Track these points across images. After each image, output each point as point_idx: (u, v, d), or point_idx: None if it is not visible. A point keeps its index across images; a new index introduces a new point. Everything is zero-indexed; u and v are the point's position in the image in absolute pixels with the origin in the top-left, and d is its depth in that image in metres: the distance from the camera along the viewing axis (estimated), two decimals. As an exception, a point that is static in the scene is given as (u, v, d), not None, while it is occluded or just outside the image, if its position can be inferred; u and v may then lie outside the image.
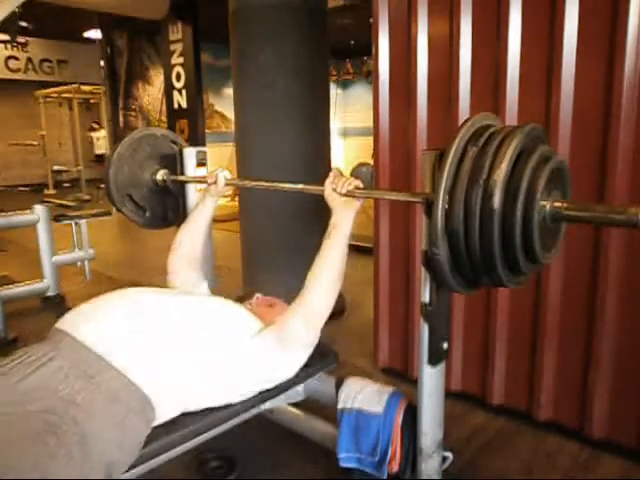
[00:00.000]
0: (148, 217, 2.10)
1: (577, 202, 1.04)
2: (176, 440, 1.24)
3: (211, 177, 1.67)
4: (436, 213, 1.01)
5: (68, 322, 1.22)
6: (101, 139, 11.17)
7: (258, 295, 1.65)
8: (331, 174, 1.36)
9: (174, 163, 2.03)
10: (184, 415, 1.26)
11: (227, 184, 1.67)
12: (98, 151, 11.37)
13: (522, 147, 1.01)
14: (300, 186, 1.46)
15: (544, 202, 1.01)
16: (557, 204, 1.02)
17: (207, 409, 1.28)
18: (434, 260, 1.04)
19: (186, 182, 2.00)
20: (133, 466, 1.13)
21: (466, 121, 1.07)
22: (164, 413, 1.20)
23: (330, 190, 1.34)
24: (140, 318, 1.23)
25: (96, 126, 11.27)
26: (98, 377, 1.09)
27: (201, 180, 1.82)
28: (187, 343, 1.24)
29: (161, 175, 2.02)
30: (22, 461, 0.93)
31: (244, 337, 1.32)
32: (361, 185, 1.33)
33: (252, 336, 1.32)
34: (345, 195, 1.32)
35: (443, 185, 1.01)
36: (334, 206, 1.34)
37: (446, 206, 1.01)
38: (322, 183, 1.37)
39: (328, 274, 1.32)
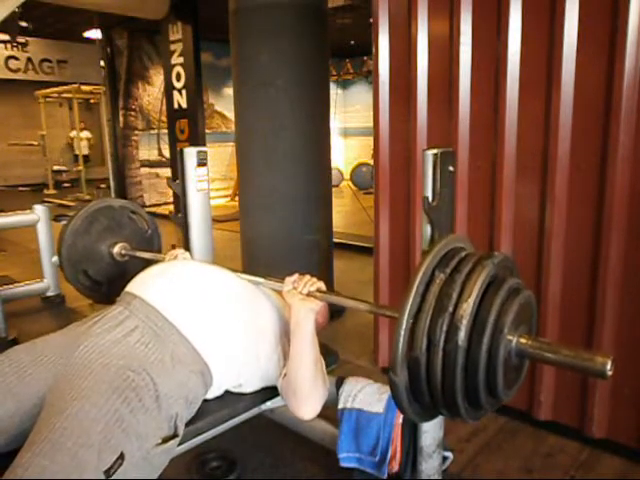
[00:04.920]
0: (104, 292, 1.95)
1: (542, 341, 0.97)
2: (176, 440, 1.24)
3: (170, 255, 1.68)
4: (397, 339, 0.94)
5: (137, 286, 1.35)
6: (84, 140, 11.05)
7: None
8: (295, 275, 1.36)
9: (133, 235, 1.96)
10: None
11: None
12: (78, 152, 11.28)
13: (492, 278, 0.96)
14: (261, 280, 1.44)
15: (510, 337, 0.95)
16: (523, 340, 0.96)
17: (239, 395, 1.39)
18: (391, 383, 0.97)
19: (143, 259, 1.88)
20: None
21: (434, 245, 1.02)
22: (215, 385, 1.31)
23: (290, 287, 1.33)
24: (206, 291, 1.36)
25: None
26: (166, 339, 1.23)
27: (154, 258, 1.78)
28: (239, 323, 1.34)
29: (118, 248, 1.93)
30: (106, 409, 1.05)
31: (277, 333, 1.40)
32: (324, 288, 1.33)
33: (277, 343, 1.39)
34: (306, 295, 1.31)
35: (407, 312, 0.95)
36: (293, 303, 1.31)
37: (409, 332, 0.95)
38: (286, 279, 1.36)
39: (308, 377, 1.29)
